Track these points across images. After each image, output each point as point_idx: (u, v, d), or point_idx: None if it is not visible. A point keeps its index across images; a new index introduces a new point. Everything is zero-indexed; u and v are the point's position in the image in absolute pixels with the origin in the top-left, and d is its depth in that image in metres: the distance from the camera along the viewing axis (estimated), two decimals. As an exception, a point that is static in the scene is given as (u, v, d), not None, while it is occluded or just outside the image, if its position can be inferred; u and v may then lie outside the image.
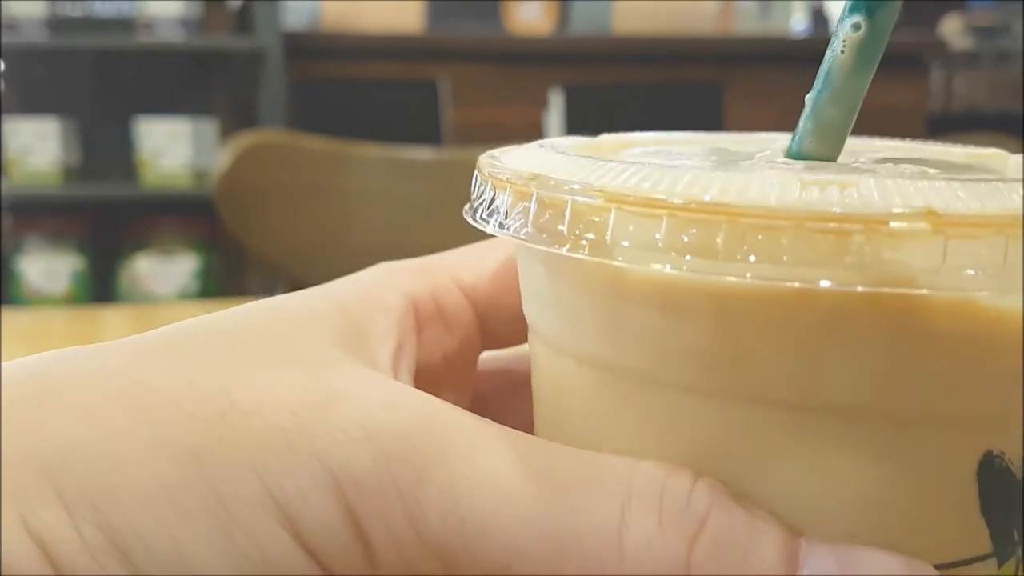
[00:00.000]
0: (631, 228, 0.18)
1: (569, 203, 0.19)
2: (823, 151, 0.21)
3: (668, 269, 0.18)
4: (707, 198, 0.18)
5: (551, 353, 0.22)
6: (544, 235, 0.19)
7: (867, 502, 0.19)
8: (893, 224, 0.17)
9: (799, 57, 1.71)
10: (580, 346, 0.21)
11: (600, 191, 0.19)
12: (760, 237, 0.17)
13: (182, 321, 0.21)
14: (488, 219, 0.21)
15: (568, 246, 0.19)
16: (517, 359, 0.28)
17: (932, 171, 0.22)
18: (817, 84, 0.21)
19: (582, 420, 0.21)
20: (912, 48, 2.21)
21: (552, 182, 0.20)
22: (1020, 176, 0.18)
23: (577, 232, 0.19)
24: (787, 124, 0.23)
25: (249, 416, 0.18)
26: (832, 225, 0.17)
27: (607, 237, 0.18)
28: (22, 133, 2.10)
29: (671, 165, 0.19)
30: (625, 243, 0.18)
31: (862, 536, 0.19)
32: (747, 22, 2.43)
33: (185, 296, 2.12)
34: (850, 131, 0.21)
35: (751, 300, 0.18)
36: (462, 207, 0.23)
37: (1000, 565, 0.20)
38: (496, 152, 0.24)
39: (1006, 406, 0.19)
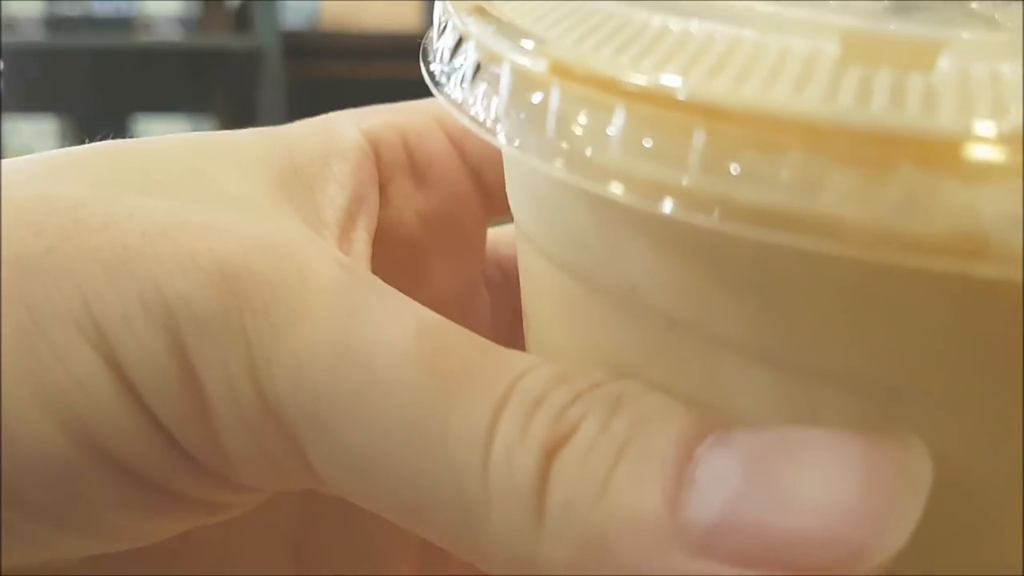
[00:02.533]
0: (582, 116, 0.13)
1: (507, 66, 0.14)
2: None
3: (614, 190, 0.12)
4: (678, 87, 0.12)
5: (523, 240, 0.18)
6: (478, 101, 0.14)
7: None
8: (968, 153, 0.11)
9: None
10: (549, 243, 0.16)
11: (545, 53, 0.13)
12: (752, 154, 0.11)
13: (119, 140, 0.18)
14: (434, 71, 0.16)
15: (497, 124, 0.14)
16: None
17: None
18: None
19: (547, 326, 0.17)
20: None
21: (493, 27, 0.14)
22: None
23: (516, 108, 0.14)
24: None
25: (91, 232, 0.15)
26: (868, 149, 0.11)
27: (549, 123, 0.13)
28: (21, 132, 2.09)
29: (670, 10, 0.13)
30: (578, 132, 0.13)
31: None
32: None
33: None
34: None
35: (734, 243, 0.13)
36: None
37: None
38: None
39: None
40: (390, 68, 2.25)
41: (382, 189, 0.20)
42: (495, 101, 0.14)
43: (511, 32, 0.14)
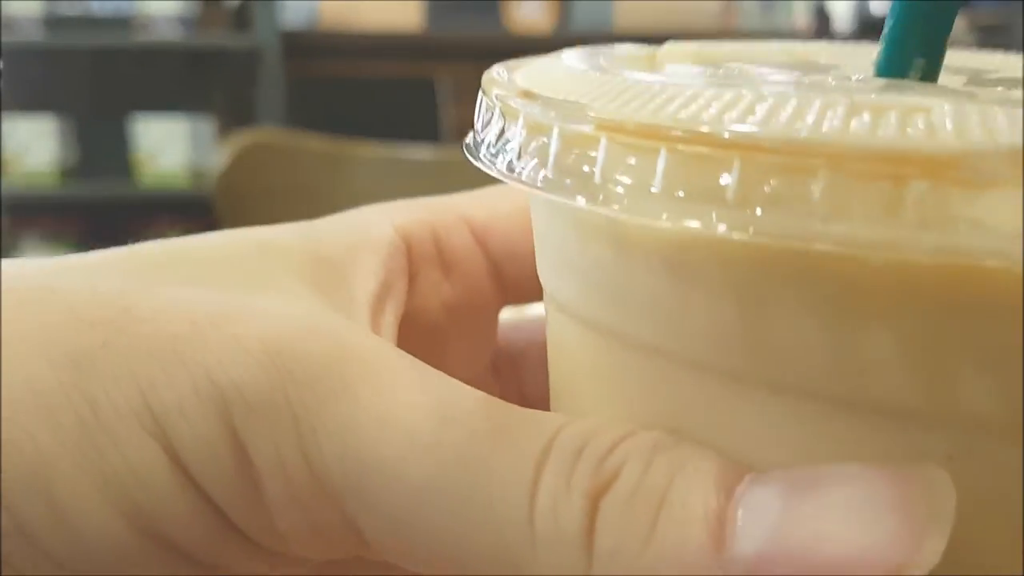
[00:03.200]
0: (629, 164, 0.14)
1: (556, 130, 0.15)
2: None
3: (665, 221, 0.14)
4: (711, 128, 0.14)
5: (556, 312, 0.19)
6: (526, 169, 0.16)
7: None
8: (968, 168, 0.12)
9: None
10: (583, 307, 0.18)
11: (593, 116, 0.15)
12: (780, 180, 0.13)
13: (145, 243, 0.20)
14: (484, 153, 0.17)
15: (551, 184, 0.15)
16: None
17: None
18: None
19: (584, 390, 0.18)
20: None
21: (540, 103, 0.16)
22: None
23: (565, 168, 0.15)
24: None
25: (141, 323, 0.16)
26: (884, 167, 0.12)
27: (596, 175, 0.15)
28: (19, 132, 2.09)
29: (691, 84, 0.15)
30: (621, 184, 0.14)
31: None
32: (749, 19, 2.42)
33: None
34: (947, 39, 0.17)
35: (770, 267, 0.14)
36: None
37: None
38: (510, 65, 0.19)
39: None
40: (389, 68, 2.25)
41: (412, 279, 0.22)
42: (543, 169, 0.16)
43: (558, 105, 0.16)
